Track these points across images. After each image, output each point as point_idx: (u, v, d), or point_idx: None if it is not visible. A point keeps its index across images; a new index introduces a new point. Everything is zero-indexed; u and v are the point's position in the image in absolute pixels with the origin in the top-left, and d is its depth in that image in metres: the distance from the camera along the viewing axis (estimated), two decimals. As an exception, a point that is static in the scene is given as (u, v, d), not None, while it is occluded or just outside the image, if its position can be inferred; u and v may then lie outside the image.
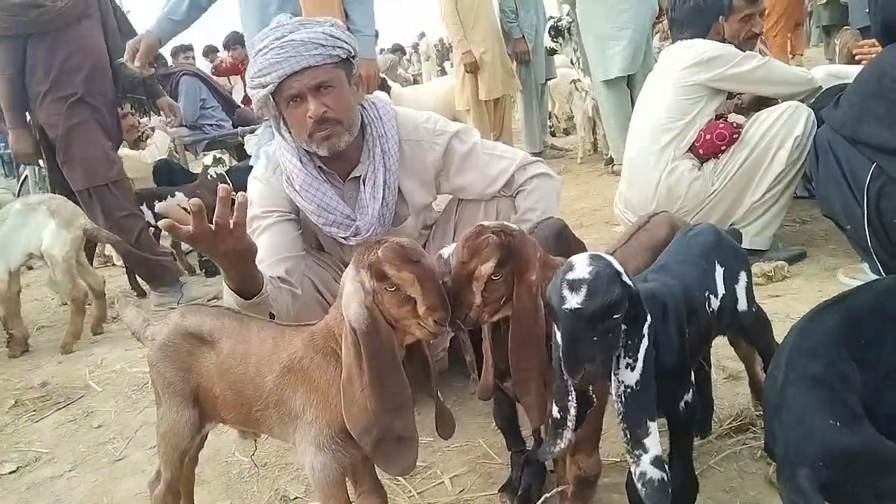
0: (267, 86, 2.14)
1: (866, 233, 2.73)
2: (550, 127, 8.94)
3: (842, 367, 1.35)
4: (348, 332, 1.40)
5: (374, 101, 2.38)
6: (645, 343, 1.32)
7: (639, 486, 1.31)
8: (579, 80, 6.93)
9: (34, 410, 3.09)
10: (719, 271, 1.70)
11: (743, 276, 1.77)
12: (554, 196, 2.48)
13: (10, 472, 2.56)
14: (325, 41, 2.13)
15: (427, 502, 2.01)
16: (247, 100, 8.33)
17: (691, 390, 1.51)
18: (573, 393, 1.39)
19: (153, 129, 5.87)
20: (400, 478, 2.10)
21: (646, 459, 1.31)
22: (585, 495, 1.65)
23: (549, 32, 6.60)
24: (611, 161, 6.30)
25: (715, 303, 1.65)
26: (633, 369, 1.32)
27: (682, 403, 1.49)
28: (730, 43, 3.52)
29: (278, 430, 1.58)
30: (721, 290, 1.68)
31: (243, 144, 7.38)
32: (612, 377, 1.34)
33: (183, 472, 1.76)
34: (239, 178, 4.84)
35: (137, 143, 5.69)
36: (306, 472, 1.52)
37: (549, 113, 8.15)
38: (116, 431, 2.78)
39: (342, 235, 2.36)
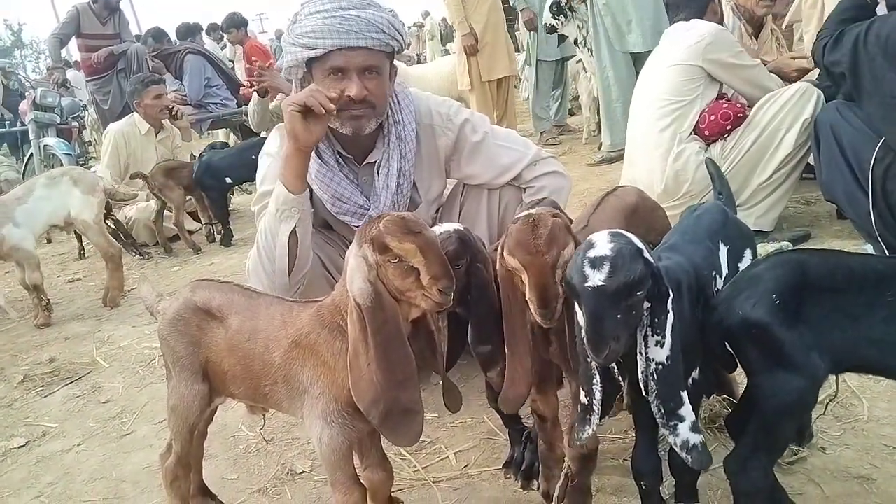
0: (314, 49, 2.09)
1: (871, 216, 2.72)
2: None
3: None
4: (353, 307, 1.41)
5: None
6: (671, 318, 1.33)
7: (683, 454, 1.34)
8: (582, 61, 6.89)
9: (42, 386, 3.13)
10: (723, 251, 1.70)
11: (748, 255, 1.77)
12: (563, 195, 2.44)
13: (20, 447, 2.60)
14: (387, 28, 2.11)
15: (432, 477, 2.04)
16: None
17: (698, 368, 1.52)
18: (598, 377, 1.40)
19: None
20: (405, 452, 2.13)
21: (684, 428, 1.33)
22: (586, 470, 1.67)
23: (550, 9, 6.49)
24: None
25: (720, 283, 1.65)
26: (662, 346, 1.33)
27: (690, 381, 1.50)
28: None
29: (286, 404, 1.60)
30: (725, 269, 1.69)
31: (247, 123, 7.39)
32: (639, 357, 1.35)
33: (192, 445, 1.78)
34: (248, 155, 4.86)
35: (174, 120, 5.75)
36: (314, 445, 1.54)
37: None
38: (124, 406, 2.81)
39: (356, 224, 2.36)
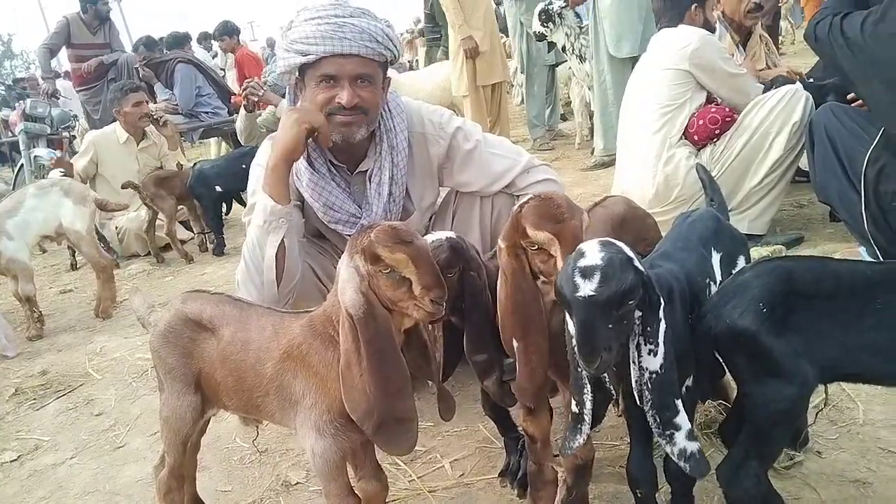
0: (307, 55, 2.10)
1: (864, 218, 2.73)
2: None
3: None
4: (345, 318, 1.40)
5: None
6: (663, 326, 1.32)
7: (680, 463, 1.32)
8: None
9: (34, 399, 3.10)
10: (716, 257, 1.70)
11: (741, 261, 1.77)
12: None
13: (12, 461, 2.57)
14: (380, 38, 2.12)
15: (427, 486, 2.03)
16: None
17: (692, 376, 1.52)
18: (589, 386, 1.39)
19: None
20: (400, 462, 2.12)
21: (680, 436, 1.32)
22: (582, 480, 1.66)
23: (539, 16, 6.50)
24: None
25: (714, 290, 1.64)
26: (655, 354, 1.32)
27: (684, 388, 1.49)
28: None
29: (279, 415, 1.59)
30: (718, 276, 1.68)
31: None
32: (633, 366, 1.34)
33: (186, 457, 1.76)
34: (238, 164, 4.85)
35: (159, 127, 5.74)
36: (307, 456, 1.53)
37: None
38: (117, 419, 2.79)
39: (347, 233, 2.35)
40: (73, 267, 5.50)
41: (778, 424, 1.40)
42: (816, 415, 1.88)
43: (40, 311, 4.00)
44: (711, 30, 3.46)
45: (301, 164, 2.26)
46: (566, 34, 6.45)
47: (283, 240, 2.09)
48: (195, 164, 5.37)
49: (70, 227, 4.02)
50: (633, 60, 5.43)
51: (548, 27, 6.50)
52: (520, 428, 1.98)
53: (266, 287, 2.14)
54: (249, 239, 2.17)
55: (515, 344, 1.53)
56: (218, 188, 5.15)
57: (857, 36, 2.50)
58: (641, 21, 5.41)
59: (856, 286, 1.38)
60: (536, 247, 1.47)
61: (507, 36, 8.58)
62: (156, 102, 7.73)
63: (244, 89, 5.68)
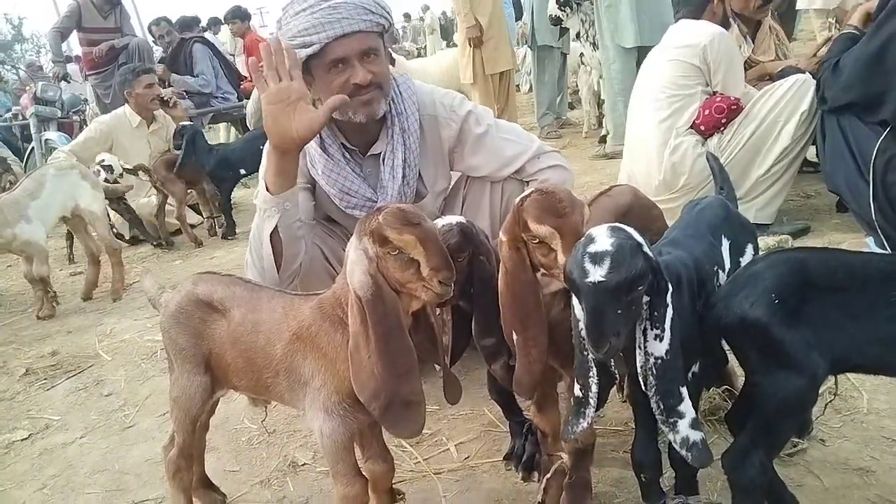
0: (311, 45, 2.09)
1: (871, 208, 2.73)
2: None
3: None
4: (354, 300, 1.41)
5: (394, 77, 2.35)
6: (670, 312, 1.32)
7: (682, 452, 1.33)
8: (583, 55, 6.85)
9: (45, 379, 3.14)
10: (725, 245, 1.70)
11: (749, 249, 1.77)
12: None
13: (23, 439, 2.61)
14: (374, 8, 2.12)
15: (433, 468, 2.05)
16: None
17: (699, 362, 1.52)
18: (594, 369, 1.40)
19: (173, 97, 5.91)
20: (406, 444, 2.14)
21: (684, 424, 1.33)
22: (583, 464, 1.68)
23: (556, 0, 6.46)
24: (604, 139, 6.25)
25: (723, 277, 1.65)
26: (661, 339, 1.32)
27: (690, 374, 1.50)
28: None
29: (288, 396, 1.60)
30: (727, 264, 1.68)
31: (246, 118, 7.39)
32: (638, 351, 1.35)
33: (195, 437, 1.79)
34: (256, 145, 4.86)
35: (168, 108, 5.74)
36: (315, 437, 1.55)
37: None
38: (126, 399, 2.82)
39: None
40: (70, 260, 5.36)
41: (787, 416, 1.41)
42: (826, 405, 1.89)
43: (54, 291, 4.04)
44: (729, 24, 3.44)
45: (315, 151, 2.27)
46: (581, 20, 6.41)
47: (276, 227, 2.08)
48: (214, 148, 5.35)
49: (87, 208, 4.10)
50: (640, 50, 5.43)
51: (564, 11, 6.45)
52: (525, 412, 2.00)
53: (267, 271, 2.15)
54: (254, 223, 2.18)
55: (515, 337, 1.54)
56: (242, 171, 5.21)
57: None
58: (640, 11, 5.39)
59: (869, 278, 1.37)
60: (537, 240, 1.47)
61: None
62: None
63: (250, 64, 5.66)
